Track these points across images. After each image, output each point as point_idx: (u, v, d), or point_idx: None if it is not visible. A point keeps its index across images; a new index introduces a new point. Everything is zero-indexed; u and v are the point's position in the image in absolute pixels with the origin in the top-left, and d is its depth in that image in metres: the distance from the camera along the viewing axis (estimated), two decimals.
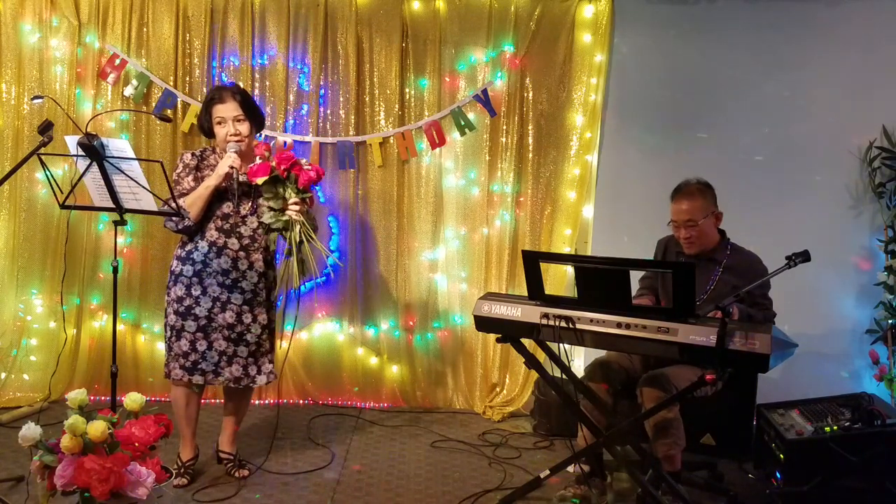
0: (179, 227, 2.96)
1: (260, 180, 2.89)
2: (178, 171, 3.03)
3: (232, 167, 2.90)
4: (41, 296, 4.00)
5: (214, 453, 3.23)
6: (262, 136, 4.00)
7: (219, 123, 3.01)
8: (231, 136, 2.98)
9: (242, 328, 3.03)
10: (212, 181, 2.93)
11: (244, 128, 3.00)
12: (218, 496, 2.96)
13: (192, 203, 2.93)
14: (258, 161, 2.93)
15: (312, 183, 2.95)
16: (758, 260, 3.07)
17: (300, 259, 2.96)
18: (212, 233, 3.00)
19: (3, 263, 3.98)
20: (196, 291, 2.99)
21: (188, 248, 3.02)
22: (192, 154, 3.07)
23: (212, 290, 2.99)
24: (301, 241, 2.94)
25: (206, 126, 3.08)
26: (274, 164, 2.91)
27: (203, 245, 3.00)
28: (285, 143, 4.02)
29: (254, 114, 3.07)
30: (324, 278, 4.14)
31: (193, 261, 2.99)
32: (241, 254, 3.02)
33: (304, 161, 2.99)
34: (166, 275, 3.10)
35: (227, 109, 2.99)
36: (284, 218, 2.93)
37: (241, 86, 3.95)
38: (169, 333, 3.04)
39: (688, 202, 3.03)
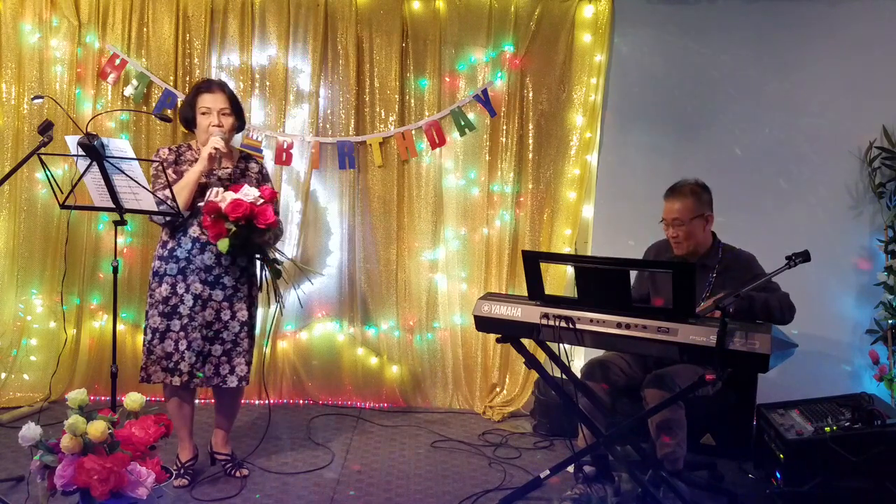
0: (167, 218, 2.92)
1: (223, 245, 2.80)
2: (155, 166, 2.96)
3: (216, 148, 2.87)
4: (41, 296, 4.00)
5: (209, 455, 3.22)
6: (262, 137, 4.01)
7: (204, 113, 2.97)
8: (214, 125, 2.94)
9: (220, 325, 2.99)
10: (198, 166, 2.90)
11: (228, 122, 2.99)
12: (218, 496, 2.96)
13: (180, 191, 2.88)
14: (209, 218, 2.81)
15: (271, 223, 2.85)
16: (752, 258, 3.07)
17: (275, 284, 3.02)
18: (194, 229, 2.96)
19: (3, 263, 3.98)
20: (181, 289, 2.96)
21: (170, 246, 2.99)
22: (170, 149, 3.04)
23: (194, 287, 2.95)
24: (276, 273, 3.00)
25: (189, 116, 3.04)
26: (229, 221, 2.77)
27: (186, 241, 2.96)
28: (285, 142, 4.02)
29: (239, 113, 3.05)
30: (320, 273, 4.14)
31: (177, 258, 2.96)
32: None
33: (250, 195, 2.83)
34: None
35: (215, 100, 2.97)
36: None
37: (242, 86, 3.99)
38: (150, 336, 2.98)
39: (679, 202, 3.04)
